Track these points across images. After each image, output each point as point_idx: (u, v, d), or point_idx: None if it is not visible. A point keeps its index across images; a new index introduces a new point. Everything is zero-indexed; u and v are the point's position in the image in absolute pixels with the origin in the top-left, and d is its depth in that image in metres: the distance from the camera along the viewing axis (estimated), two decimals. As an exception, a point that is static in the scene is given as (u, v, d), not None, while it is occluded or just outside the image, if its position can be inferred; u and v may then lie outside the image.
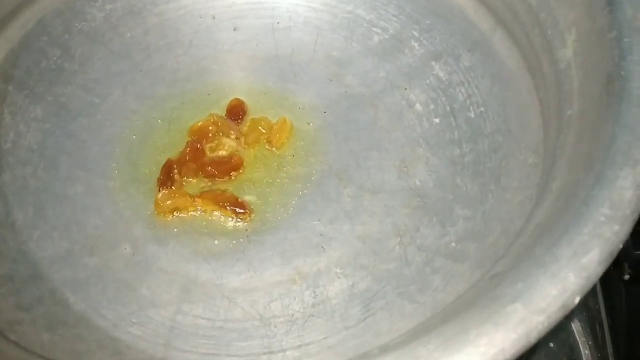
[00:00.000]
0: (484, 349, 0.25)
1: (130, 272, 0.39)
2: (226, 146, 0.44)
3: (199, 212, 0.41)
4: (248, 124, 0.44)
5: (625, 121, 0.31)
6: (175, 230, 0.41)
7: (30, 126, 0.44)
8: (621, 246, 0.27)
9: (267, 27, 0.49)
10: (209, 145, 0.43)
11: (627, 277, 0.41)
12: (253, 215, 0.41)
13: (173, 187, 0.42)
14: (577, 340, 0.41)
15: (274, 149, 0.43)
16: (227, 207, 0.41)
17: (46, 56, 0.46)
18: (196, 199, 0.41)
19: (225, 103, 0.45)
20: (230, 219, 0.41)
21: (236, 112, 0.45)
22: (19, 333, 0.35)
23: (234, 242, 0.40)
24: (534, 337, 0.25)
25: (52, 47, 0.47)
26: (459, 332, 0.26)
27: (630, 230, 0.28)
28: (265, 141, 0.44)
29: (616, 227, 0.28)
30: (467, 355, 0.25)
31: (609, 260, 0.27)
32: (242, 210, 0.41)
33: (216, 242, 0.40)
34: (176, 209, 0.41)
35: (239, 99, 0.45)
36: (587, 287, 0.26)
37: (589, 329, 0.41)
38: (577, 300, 0.26)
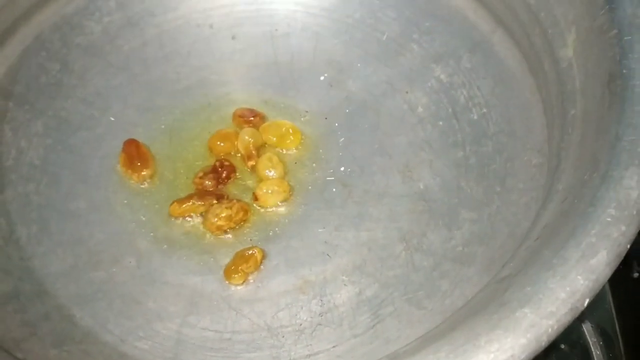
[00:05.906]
0: (494, 355, 0.25)
1: (135, 285, 0.39)
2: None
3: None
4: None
5: (628, 120, 0.31)
6: (179, 242, 0.40)
7: (32, 142, 0.44)
8: (629, 246, 0.27)
9: (265, 35, 0.49)
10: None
11: (636, 274, 0.41)
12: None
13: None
14: (588, 340, 0.41)
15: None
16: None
17: (45, 71, 0.46)
18: None
19: (225, 113, 0.45)
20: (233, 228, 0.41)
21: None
22: (26, 350, 0.35)
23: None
24: (544, 341, 0.25)
25: (50, 62, 0.47)
26: (469, 339, 0.26)
27: (638, 230, 0.28)
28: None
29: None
30: (477, 362, 0.25)
31: (617, 262, 0.27)
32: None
33: (221, 253, 0.40)
34: None
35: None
36: (596, 289, 0.26)
37: (599, 329, 0.41)
38: (586, 302, 0.26)
